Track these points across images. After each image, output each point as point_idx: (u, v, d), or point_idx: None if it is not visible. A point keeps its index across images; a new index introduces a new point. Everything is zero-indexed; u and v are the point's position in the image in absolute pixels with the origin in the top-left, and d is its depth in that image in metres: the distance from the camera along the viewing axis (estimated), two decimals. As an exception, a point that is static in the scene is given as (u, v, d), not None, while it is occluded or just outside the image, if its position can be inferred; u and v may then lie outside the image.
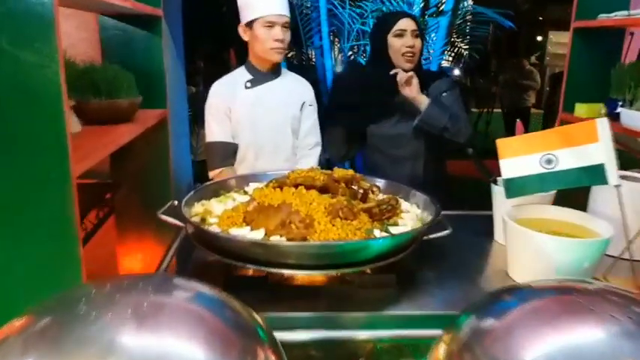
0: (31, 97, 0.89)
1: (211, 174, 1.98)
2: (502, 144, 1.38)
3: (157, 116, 1.73)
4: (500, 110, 7.81)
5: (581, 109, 1.91)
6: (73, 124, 1.09)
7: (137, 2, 1.60)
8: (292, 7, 3.66)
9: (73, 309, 0.63)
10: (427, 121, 1.89)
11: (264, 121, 1.96)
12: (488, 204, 1.63)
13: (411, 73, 1.88)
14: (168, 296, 0.71)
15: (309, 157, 2.04)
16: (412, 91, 1.89)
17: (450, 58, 3.66)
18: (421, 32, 2.00)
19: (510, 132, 7.50)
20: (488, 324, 0.79)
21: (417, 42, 1.95)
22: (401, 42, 1.94)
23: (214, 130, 1.97)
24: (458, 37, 3.63)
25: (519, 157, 1.35)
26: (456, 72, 3.86)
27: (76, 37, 1.99)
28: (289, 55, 3.99)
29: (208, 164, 1.99)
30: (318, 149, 2.08)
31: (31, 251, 0.97)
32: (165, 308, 0.67)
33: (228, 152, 1.97)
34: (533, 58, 8.56)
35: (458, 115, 1.93)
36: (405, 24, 1.95)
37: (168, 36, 2.05)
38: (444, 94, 2.00)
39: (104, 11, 1.74)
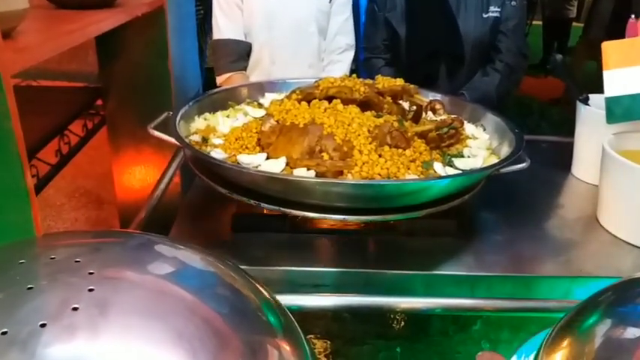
0: None
1: (219, 80, 1.65)
2: (610, 49, 1.01)
3: (150, 3, 1.37)
4: (540, 22, 7.09)
5: (691, 9, 1.48)
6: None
7: None
8: None
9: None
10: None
11: (283, 14, 1.59)
12: (542, 129, 1.30)
13: None
14: (135, 279, 0.42)
15: (339, 63, 1.68)
16: None
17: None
18: None
19: (548, 46, 6.85)
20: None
21: None
22: None
23: (223, 26, 1.62)
24: None
25: (633, 67, 0.99)
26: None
27: None
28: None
29: (215, 67, 1.66)
30: (351, 54, 1.71)
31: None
32: (124, 300, 0.39)
33: (238, 53, 1.63)
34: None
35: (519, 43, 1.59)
36: None
37: None
38: (512, 2, 1.59)
39: None
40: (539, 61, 6.33)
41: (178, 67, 1.73)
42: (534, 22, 7.16)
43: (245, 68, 1.67)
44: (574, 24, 6.98)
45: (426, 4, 1.58)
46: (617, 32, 1.08)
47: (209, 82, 2.95)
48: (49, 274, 0.38)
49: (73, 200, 1.71)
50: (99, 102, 1.68)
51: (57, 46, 0.78)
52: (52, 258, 0.40)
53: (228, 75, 1.64)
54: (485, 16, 1.57)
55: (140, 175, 1.72)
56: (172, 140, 0.93)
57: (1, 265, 0.39)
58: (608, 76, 1.01)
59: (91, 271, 0.39)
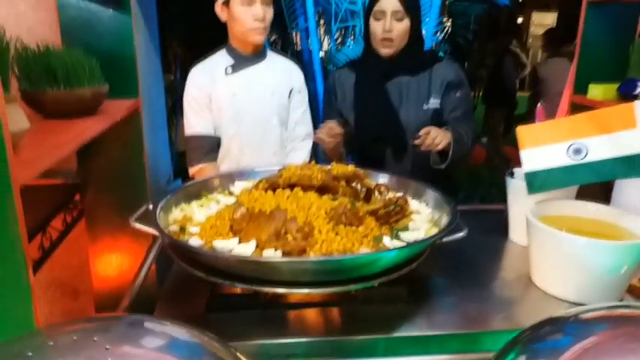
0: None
1: (191, 171, 1.79)
2: (523, 132, 1.21)
3: (128, 107, 1.52)
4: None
5: (595, 90, 1.75)
6: (20, 119, 0.89)
7: (100, -24, 1.38)
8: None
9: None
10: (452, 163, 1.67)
11: (248, 110, 1.77)
12: (492, 195, 1.47)
13: (424, 140, 1.59)
14: (141, 352, 0.53)
15: (299, 151, 1.86)
16: (441, 143, 1.61)
17: (442, 39, 3.48)
18: (412, 11, 1.70)
19: (489, 120, 7.41)
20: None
21: (400, 25, 1.68)
22: (380, 26, 1.68)
23: (193, 122, 1.78)
24: (451, 17, 3.45)
25: (543, 146, 1.19)
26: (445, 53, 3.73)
27: (33, 18, 1.75)
28: (272, 39, 3.77)
29: (188, 160, 1.80)
30: (310, 141, 1.89)
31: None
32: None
33: (209, 146, 1.78)
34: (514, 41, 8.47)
35: (469, 129, 1.71)
36: (386, 3, 1.66)
37: (139, 15, 1.83)
38: (457, 93, 1.75)
39: (63, -12, 1.52)
40: (488, 131, 6.79)
41: (152, 159, 1.87)
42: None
43: (215, 159, 1.82)
44: (519, 94, 7.60)
45: (370, 96, 1.75)
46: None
47: (179, 167, 3.07)
48: (75, 350, 0.49)
49: (49, 293, 1.75)
50: (76, 197, 1.78)
51: (54, 158, 0.91)
52: (74, 339, 0.51)
53: (200, 166, 1.78)
54: (425, 107, 1.72)
55: (116, 264, 1.80)
56: (154, 232, 1.04)
57: (35, 347, 0.50)
58: (524, 154, 1.20)
59: (107, 347, 0.50)
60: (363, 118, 1.76)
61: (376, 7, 1.68)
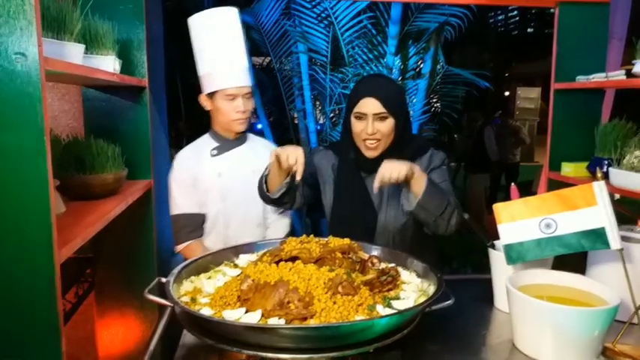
0: (14, 183, 0.83)
1: (177, 248, 1.88)
2: (499, 209, 1.36)
3: (143, 188, 1.67)
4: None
5: (568, 167, 1.93)
6: (59, 204, 1.03)
7: (124, 75, 1.58)
8: (274, 71, 3.74)
9: None
10: (425, 205, 1.49)
11: (232, 189, 1.90)
12: (484, 265, 1.58)
13: (381, 179, 1.44)
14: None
15: (279, 222, 1.98)
16: (400, 172, 1.44)
17: (429, 119, 3.75)
18: (396, 111, 1.58)
19: (496, 187, 7.68)
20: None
21: (383, 126, 1.56)
22: (361, 126, 1.58)
23: (180, 202, 1.88)
24: (436, 98, 3.74)
25: (518, 221, 1.33)
26: (434, 129, 4.01)
27: (59, 108, 1.96)
28: (271, 119, 4.03)
29: (175, 238, 1.89)
30: (289, 212, 2.03)
31: (13, 348, 0.89)
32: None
33: (194, 224, 1.88)
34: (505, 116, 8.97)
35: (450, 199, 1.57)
36: (366, 107, 1.55)
37: (152, 104, 2.03)
38: (435, 170, 1.67)
39: (90, 84, 1.72)
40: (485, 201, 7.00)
41: (158, 231, 1.98)
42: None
43: (201, 235, 1.90)
44: (524, 163, 8.02)
45: (349, 194, 1.68)
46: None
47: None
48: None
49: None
50: (88, 270, 1.88)
51: (87, 236, 1.04)
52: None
53: (186, 244, 1.88)
54: (406, 209, 1.56)
55: (123, 336, 1.86)
56: (166, 302, 1.15)
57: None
58: (501, 228, 1.34)
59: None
60: (338, 217, 1.72)
61: (356, 109, 1.58)
